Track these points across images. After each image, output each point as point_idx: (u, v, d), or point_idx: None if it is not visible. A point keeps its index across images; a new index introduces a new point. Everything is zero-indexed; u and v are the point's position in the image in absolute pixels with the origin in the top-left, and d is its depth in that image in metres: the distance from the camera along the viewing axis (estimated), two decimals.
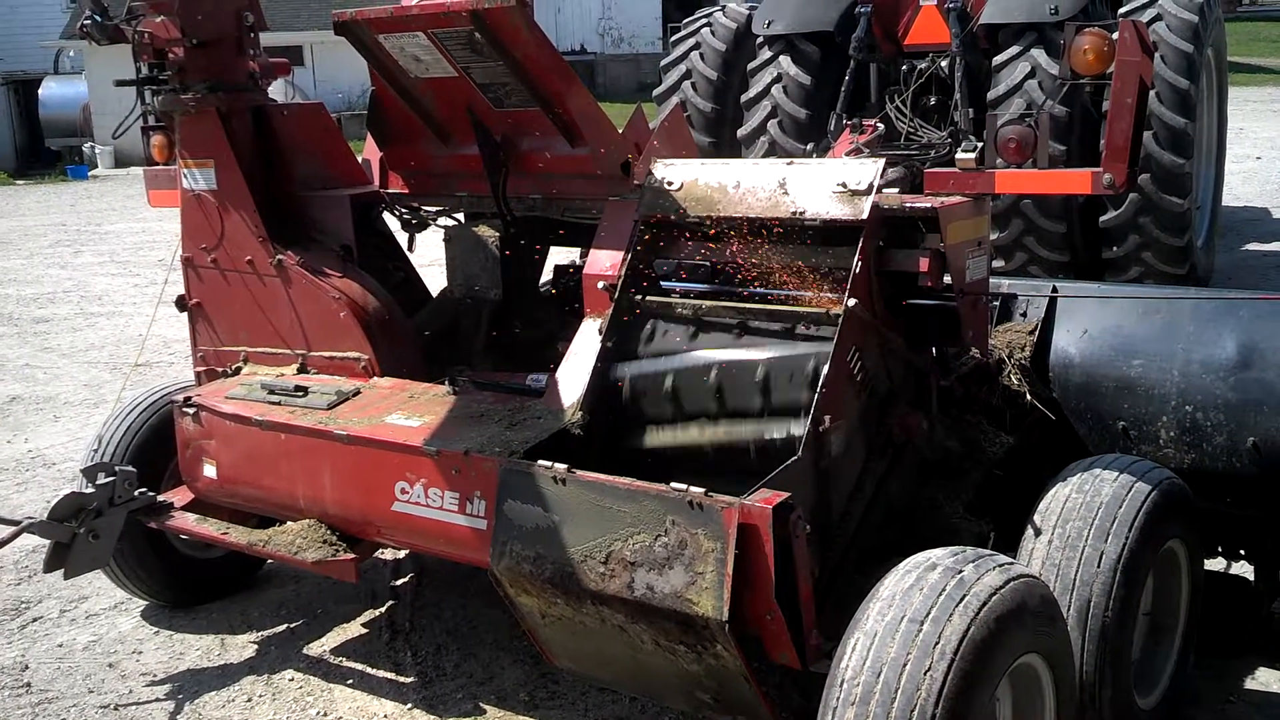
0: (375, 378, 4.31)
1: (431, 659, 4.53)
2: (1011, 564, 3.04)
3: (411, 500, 3.81)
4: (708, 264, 3.79)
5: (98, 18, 4.50)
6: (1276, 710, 3.99)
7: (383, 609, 4.98)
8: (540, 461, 3.38)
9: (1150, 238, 7.86)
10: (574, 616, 3.40)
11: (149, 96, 4.64)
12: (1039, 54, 7.61)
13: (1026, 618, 2.93)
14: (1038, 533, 3.52)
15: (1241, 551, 4.30)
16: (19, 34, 32.00)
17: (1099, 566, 3.38)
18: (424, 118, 4.46)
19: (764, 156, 8.29)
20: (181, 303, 4.76)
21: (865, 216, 3.48)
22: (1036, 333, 4.36)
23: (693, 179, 3.82)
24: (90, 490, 4.35)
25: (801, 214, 3.58)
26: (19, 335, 10.79)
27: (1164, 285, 7.01)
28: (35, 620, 5.05)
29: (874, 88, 8.57)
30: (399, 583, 5.20)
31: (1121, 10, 8.15)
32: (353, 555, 4.07)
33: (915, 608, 2.83)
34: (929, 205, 3.63)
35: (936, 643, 2.75)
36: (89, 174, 26.49)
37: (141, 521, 4.53)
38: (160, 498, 4.58)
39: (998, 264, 7.79)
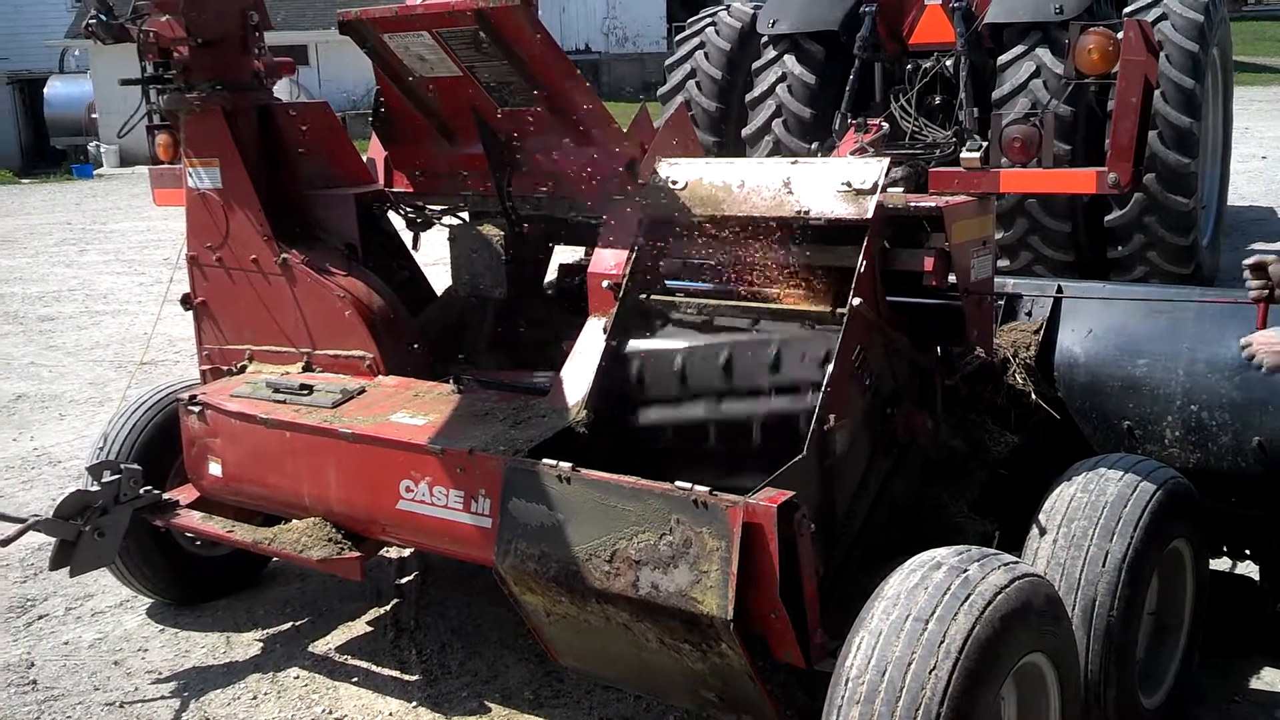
0: (380, 376, 4.31)
1: (436, 657, 4.54)
2: (1016, 563, 3.04)
3: (416, 498, 3.81)
4: (712, 263, 3.79)
5: (103, 17, 4.50)
6: None
7: (387, 607, 4.99)
8: (545, 460, 3.38)
9: (1155, 237, 7.85)
10: (579, 615, 3.40)
11: (154, 95, 4.64)
12: (1044, 53, 7.60)
13: (1031, 617, 2.93)
14: (1043, 532, 3.52)
15: (1246, 551, 4.30)
16: (24, 33, 32.07)
17: (1104, 566, 3.38)
18: (429, 117, 4.46)
19: (769, 156, 8.29)
20: (186, 301, 4.75)
21: (870, 216, 3.47)
22: (1041, 332, 4.36)
23: (697, 178, 3.82)
24: (96, 488, 4.36)
25: (806, 213, 3.57)
26: (24, 333, 10.81)
27: (1169, 285, 6.99)
28: (41, 618, 5.06)
29: (879, 87, 8.58)
30: (404, 581, 5.21)
31: (1126, 10, 8.14)
32: (358, 553, 4.07)
33: (920, 606, 2.83)
34: (934, 204, 3.62)
35: (941, 641, 2.75)
36: (94, 173, 26.60)
37: (147, 519, 4.54)
38: (165, 496, 4.58)
39: (1002, 263, 7.77)
